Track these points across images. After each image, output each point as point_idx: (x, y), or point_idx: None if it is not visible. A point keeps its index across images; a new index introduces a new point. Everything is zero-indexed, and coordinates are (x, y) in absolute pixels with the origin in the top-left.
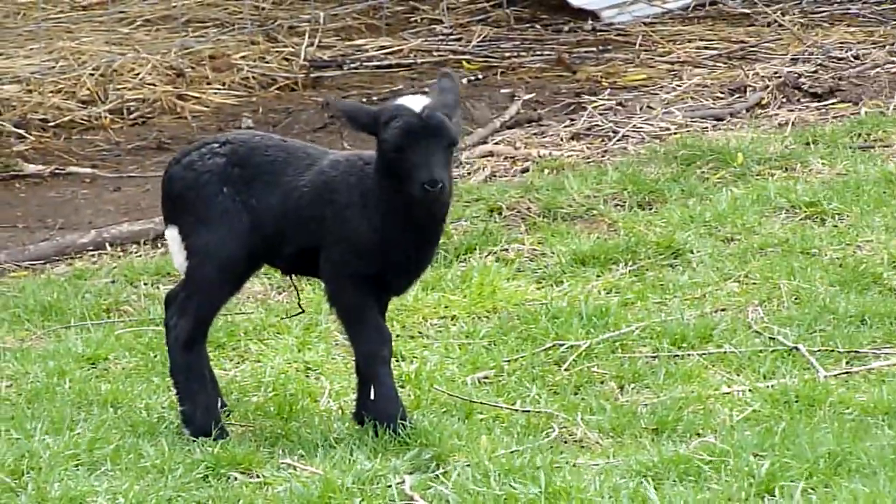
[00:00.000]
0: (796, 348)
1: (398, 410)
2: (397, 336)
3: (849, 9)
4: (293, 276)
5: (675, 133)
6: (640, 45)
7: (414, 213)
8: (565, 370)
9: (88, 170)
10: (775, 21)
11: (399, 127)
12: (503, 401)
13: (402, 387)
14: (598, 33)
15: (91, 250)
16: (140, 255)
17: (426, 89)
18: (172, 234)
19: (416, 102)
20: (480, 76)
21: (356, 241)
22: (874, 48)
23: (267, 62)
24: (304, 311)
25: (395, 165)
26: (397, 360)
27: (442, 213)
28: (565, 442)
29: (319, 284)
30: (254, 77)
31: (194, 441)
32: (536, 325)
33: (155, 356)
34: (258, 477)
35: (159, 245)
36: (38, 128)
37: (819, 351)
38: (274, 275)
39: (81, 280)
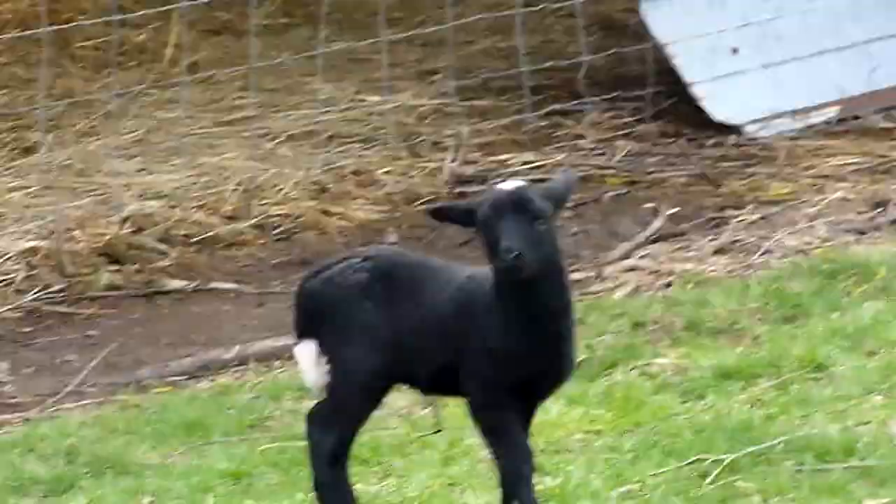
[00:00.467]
0: None
1: None
2: (541, 451)
3: None
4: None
5: (818, 247)
6: (784, 160)
7: (505, 291)
8: (709, 484)
9: (232, 285)
10: None
11: (486, 202)
12: None
13: (547, 502)
14: (742, 148)
15: (235, 366)
16: (284, 371)
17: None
18: (307, 350)
19: (509, 184)
20: (624, 191)
21: (492, 349)
22: None
23: (411, 177)
24: (441, 430)
25: (485, 244)
26: (541, 475)
27: (543, 294)
28: None
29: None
30: (397, 192)
31: None
32: (681, 439)
33: (298, 472)
34: None
35: None
36: (182, 243)
37: None
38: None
39: (225, 396)
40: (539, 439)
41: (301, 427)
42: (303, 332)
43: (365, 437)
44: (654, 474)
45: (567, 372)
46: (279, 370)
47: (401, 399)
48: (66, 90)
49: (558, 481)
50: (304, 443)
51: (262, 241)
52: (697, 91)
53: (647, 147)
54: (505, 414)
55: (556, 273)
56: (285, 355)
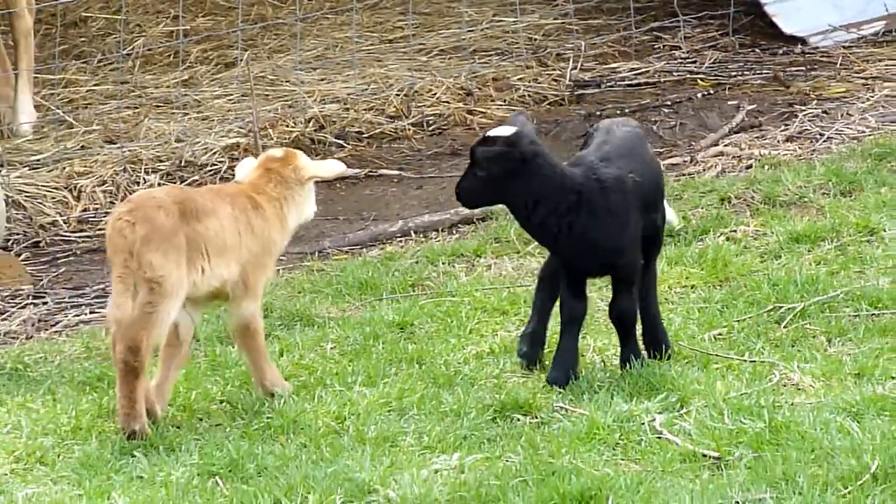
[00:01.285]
0: None
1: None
2: None
3: None
4: None
5: (869, 135)
6: (841, 65)
7: None
8: (784, 327)
9: (396, 172)
10: None
11: None
12: (734, 353)
13: None
14: (807, 55)
15: (399, 237)
16: (438, 241)
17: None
18: None
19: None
20: (712, 91)
21: None
22: None
23: (539, 83)
24: None
25: None
26: None
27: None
28: (784, 385)
29: None
30: (528, 95)
31: (487, 390)
32: (760, 292)
33: (451, 321)
34: (536, 418)
35: (454, 231)
36: (354, 139)
37: None
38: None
39: (391, 261)
40: None
41: (454, 285)
42: None
43: (505, 293)
44: (739, 320)
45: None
46: (435, 240)
47: (534, 262)
48: (259, 16)
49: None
50: (456, 298)
51: (419, 136)
52: (770, 10)
53: (730, 56)
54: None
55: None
56: (440, 227)
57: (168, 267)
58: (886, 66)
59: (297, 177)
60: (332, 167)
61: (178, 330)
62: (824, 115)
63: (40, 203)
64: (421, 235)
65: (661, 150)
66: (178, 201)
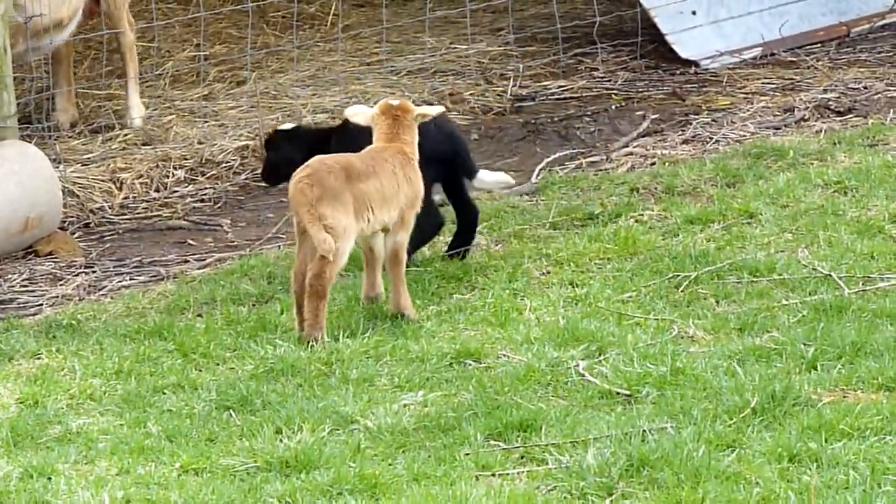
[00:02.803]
0: (830, 275)
1: None
2: (573, 271)
3: (859, 56)
4: None
5: (749, 139)
6: (726, 82)
7: None
8: (681, 291)
9: None
10: (812, 65)
11: None
12: (641, 312)
13: (577, 303)
14: (699, 75)
15: None
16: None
17: None
18: None
19: None
20: (623, 104)
21: None
22: (876, 81)
23: (486, 97)
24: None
25: None
26: (574, 287)
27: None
28: (682, 338)
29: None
30: (477, 107)
31: (445, 341)
32: (662, 263)
33: (417, 286)
34: (484, 363)
35: None
36: None
37: (844, 277)
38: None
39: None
40: (571, 264)
41: (419, 257)
42: None
43: (459, 265)
44: (645, 286)
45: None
46: None
47: (481, 239)
48: (263, 44)
49: (584, 290)
50: (420, 268)
51: None
52: (670, 38)
53: (638, 75)
54: None
55: None
56: None
57: (337, 217)
58: (762, 83)
59: (413, 119)
60: (431, 109)
61: (373, 249)
62: (713, 122)
63: (90, 192)
64: None
65: (584, 151)
66: (344, 167)
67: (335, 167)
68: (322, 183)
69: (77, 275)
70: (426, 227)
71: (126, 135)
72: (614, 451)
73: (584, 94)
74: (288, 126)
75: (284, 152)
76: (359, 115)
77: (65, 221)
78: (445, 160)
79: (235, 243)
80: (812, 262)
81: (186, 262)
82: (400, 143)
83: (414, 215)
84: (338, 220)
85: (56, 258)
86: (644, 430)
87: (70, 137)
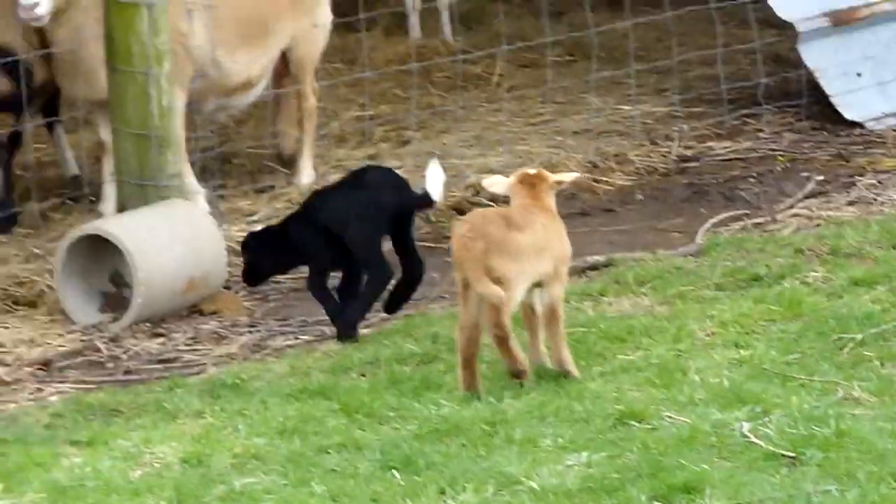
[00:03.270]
0: None
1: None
2: (738, 332)
3: None
4: None
5: None
6: (891, 144)
7: None
8: (846, 353)
9: None
10: None
11: None
12: (805, 373)
13: (741, 364)
14: (864, 136)
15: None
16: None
17: None
18: None
19: None
20: (789, 165)
21: None
22: None
23: (651, 158)
24: None
25: None
26: (738, 348)
27: None
28: (846, 400)
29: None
30: (642, 167)
31: (609, 402)
32: (827, 325)
33: (581, 347)
34: (648, 424)
35: (582, 276)
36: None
37: None
38: None
39: None
40: (736, 325)
41: (583, 317)
42: None
43: (623, 325)
44: (810, 347)
45: None
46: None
47: (646, 300)
48: (428, 104)
49: (748, 352)
50: (584, 328)
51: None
52: (835, 101)
53: (804, 137)
54: None
55: None
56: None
57: (506, 265)
58: None
59: (550, 186)
60: (567, 176)
61: (533, 306)
62: (879, 184)
63: None
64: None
65: (748, 212)
66: (502, 216)
67: (495, 217)
68: (486, 236)
69: (241, 334)
70: (375, 282)
71: (290, 194)
72: None
73: (749, 156)
74: (258, 229)
75: (257, 253)
76: (497, 184)
77: (229, 280)
78: (394, 213)
79: None
80: None
81: None
82: (542, 202)
83: (566, 270)
84: (507, 269)
85: (220, 317)
86: (809, 493)
87: (234, 196)
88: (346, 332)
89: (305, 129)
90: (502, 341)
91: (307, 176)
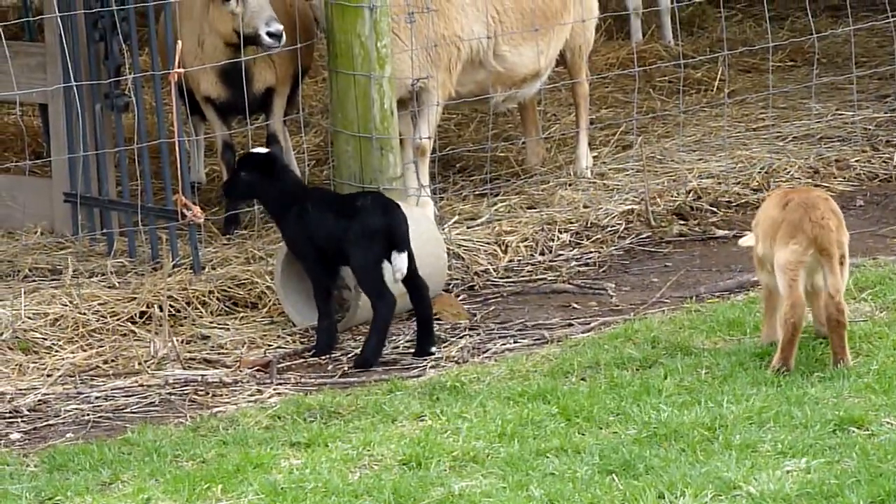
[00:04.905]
0: None
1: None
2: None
3: None
4: None
5: None
6: None
7: None
8: None
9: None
10: None
11: None
12: None
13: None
14: None
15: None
16: None
17: None
18: None
19: None
20: None
21: None
22: None
23: (872, 164)
24: None
25: None
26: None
27: None
28: None
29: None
30: (863, 173)
31: (829, 407)
32: None
33: (801, 353)
34: (868, 430)
35: None
36: (725, 206)
37: None
38: None
39: (753, 304)
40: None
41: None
42: None
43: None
44: None
45: None
46: None
47: (866, 306)
48: (650, 108)
49: None
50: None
51: None
52: None
53: None
54: None
55: None
56: None
57: (845, 245)
58: None
59: None
60: None
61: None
62: None
63: (475, 254)
64: None
65: None
66: (825, 198)
67: (829, 198)
68: (835, 212)
69: (461, 337)
70: (383, 310)
71: (511, 198)
72: None
73: None
74: (262, 151)
75: (252, 177)
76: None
77: (449, 283)
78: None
79: (619, 307)
80: None
81: (570, 325)
82: None
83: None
84: (846, 249)
85: (441, 320)
86: None
87: (454, 199)
88: (365, 364)
89: (580, 116)
90: (842, 326)
91: (586, 161)
